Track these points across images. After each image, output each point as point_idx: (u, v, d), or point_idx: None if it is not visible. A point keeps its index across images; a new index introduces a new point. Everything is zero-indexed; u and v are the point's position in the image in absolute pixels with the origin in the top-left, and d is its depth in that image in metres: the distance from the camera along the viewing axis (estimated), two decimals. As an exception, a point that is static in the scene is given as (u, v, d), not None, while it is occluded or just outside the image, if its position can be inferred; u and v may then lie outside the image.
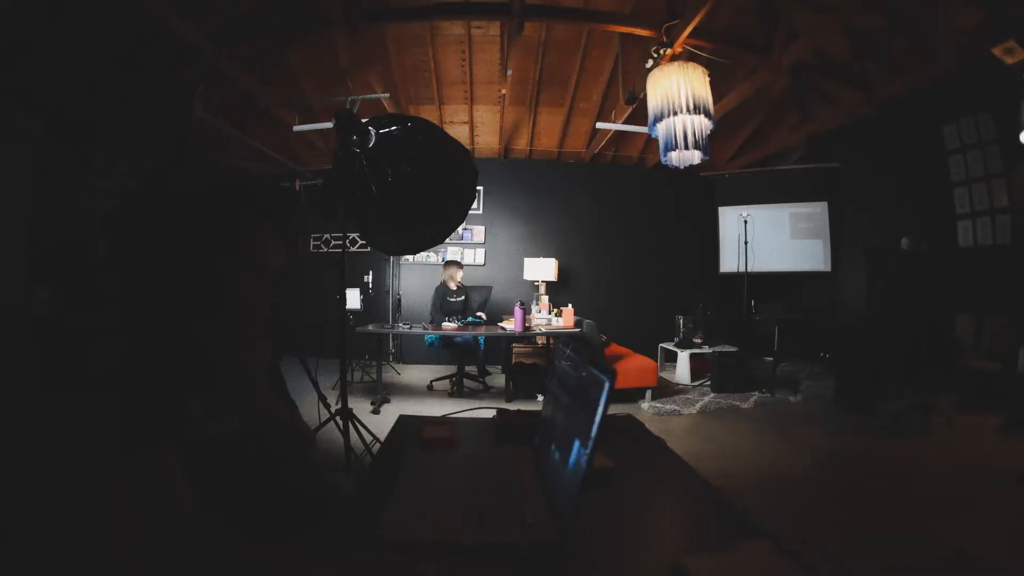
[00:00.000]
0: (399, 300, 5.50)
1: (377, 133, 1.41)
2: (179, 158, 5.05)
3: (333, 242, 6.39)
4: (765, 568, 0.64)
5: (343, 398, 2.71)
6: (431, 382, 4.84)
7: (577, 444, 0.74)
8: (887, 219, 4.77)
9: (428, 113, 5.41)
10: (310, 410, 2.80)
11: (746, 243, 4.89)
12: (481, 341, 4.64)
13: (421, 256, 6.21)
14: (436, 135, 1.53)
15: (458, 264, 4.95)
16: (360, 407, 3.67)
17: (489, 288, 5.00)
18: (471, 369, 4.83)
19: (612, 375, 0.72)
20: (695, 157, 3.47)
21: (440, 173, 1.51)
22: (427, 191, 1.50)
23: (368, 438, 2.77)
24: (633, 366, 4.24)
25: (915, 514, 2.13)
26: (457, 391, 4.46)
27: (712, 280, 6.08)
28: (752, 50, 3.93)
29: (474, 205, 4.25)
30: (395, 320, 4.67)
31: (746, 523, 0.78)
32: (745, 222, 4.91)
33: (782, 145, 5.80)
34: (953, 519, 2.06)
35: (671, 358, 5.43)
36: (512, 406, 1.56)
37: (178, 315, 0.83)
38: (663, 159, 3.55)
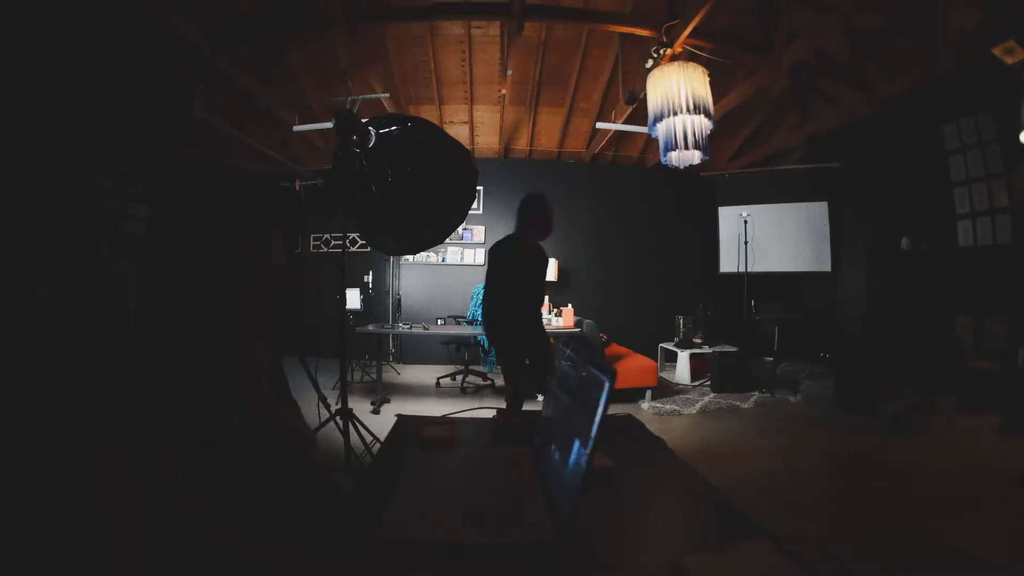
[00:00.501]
0: (399, 300, 5.50)
1: (377, 133, 1.41)
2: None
3: (333, 242, 6.39)
4: (765, 568, 0.64)
5: (343, 398, 2.71)
6: (438, 379, 4.92)
7: (577, 444, 0.74)
8: (887, 219, 4.77)
9: (428, 113, 5.41)
10: (310, 410, 2.80)
11: (746, 243, 4.89)
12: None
13: (421, 256, 6.21)
14: (436, 135, 1.53)
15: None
16: (360, 407, 3.67)
17: None
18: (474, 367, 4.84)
19: (612, 375, 0.72)
20: (695, 157, 3.46)
21: (440, 173, 1.51)
22: (427, 191, 1.50)
23: (368, 438, 2.77)
24: (633, 366, 4.24)
25: (915, 514, 2.13)
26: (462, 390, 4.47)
27: (712, 280, 6.07)
28: (752, 50, 3.93)
29: (474, 205, 4.25)
30: (395, 320, 4.68)
31: (746, 523, 0.78)
32: (745, 222, 4.91)
33: (782, 145, 5.80)
34: (953, 519, 2.06)
35: (671, 358, 5.43)
36: (512, 406, 1.56)
37: (178, 315, 0.83)
38: (663, 159, 3.55)
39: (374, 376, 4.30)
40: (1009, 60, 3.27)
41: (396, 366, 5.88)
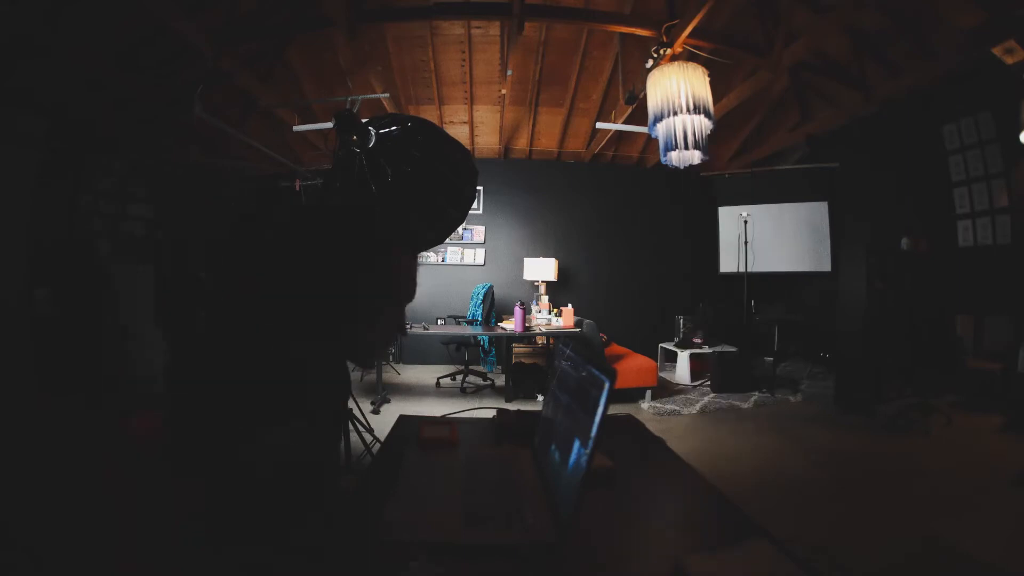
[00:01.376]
0: (399, 300, 5.47)
1: (377, 133, 1.41)
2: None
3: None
4: (765, 568, 0.64)
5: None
6: (438, 379, 4.93)
7: (577, 444, 0.74)
8: (887, 219, 4.77)
9: (428, 113, 5.41)
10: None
11: (746, 243, 4.90)
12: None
13: (421, 256, 6.21)
14: (436, 135, 1.53)
15: None
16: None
17: None
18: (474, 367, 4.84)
19: (612, 375, 0.72)
20: (695, 157, 3.46)
21: (440, 173, 1.51)
22: (427, 191, 1.50)
23: (368, 438, 2.77)
24: (633, 366, 4.24)
25: (915, 514, 2.13)
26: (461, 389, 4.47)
27: (712, 280, 6.07)
28: (752, 50, 3.93)
29: (474, 205, 4.25)
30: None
31: (746, 523, 0.78)
32: (745, 222, 4.91)
33: (782, 145, 5.80)
34: (953, 519, 2.06)
35: (671, 358, 5.43)
36: (512, 406, 1.57)
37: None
38: (663, 159, 3.55)
39: (374, 376, 4.29)
40: (1009, 60, 3.26)
41: (396, 366, 5.88)
